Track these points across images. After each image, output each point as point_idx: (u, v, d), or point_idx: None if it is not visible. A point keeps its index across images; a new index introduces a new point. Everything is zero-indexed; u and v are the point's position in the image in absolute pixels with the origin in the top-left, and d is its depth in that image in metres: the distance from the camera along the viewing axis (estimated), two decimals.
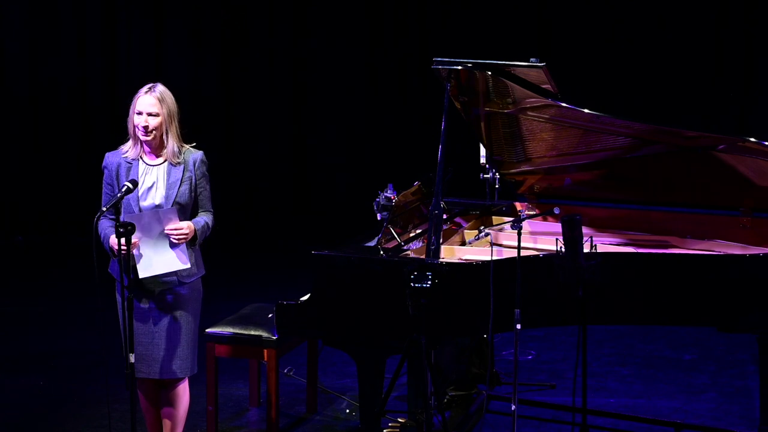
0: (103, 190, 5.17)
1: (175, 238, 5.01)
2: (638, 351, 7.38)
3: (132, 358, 4.84)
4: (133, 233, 4.83)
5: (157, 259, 5.02)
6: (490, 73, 5.31)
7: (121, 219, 4.97)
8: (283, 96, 10.75)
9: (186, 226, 5.05)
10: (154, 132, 5.04)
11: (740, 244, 5.50)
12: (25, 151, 10.78)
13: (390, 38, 10.49)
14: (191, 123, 10.90)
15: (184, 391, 5.26)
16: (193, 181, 5.14)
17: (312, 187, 10.80)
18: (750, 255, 5.08)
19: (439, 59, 5.27)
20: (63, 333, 7.81)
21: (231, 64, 10.77)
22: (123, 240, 4.79)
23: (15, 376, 6.93)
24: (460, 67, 5.26)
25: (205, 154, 5.26)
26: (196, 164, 5.15)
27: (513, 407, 5.10)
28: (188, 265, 5.08)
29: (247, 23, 10.70)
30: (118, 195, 4.90)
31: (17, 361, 7.22)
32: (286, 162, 10.79)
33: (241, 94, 10.78)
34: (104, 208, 4.92)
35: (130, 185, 4.93)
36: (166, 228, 5.00)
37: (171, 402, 5.26)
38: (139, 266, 4.97)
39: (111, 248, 5.01)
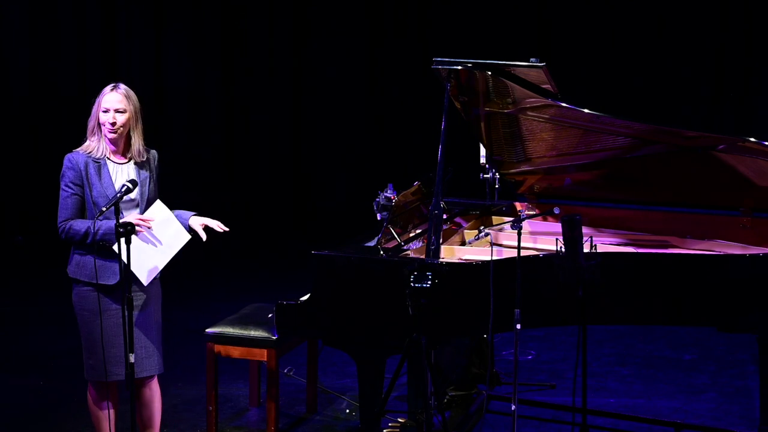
0: (65, 193, 5.10)
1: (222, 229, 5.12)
2: (638, 351, 7.38)
3: (132, 358, 4.83)
4: (132, 233, 4.83)
5: (148, 261, 5.04)
6: (490, 73, 5.31)
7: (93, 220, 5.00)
8: (283, 96, 10.76)
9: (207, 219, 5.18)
10: (121, 129, 5.04)
11: (740, 244, 5.50)
12: (25, 151, 10.79)
13: (390, 38, 10.49)
14: (192, 123, 10.95)
15: (158, 388, 5.27)
16: (154, 178, 5.16)
17: (312, 188, 10.81)
18: (750, 255, 5.08)
19: (439, 59, 5.27)
20: (63, 333, 7.80)
21: (231, 65, 10.78)
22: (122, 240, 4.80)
23: (15, 376, 6.93)
24: (460, 67, 5.26)
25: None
26: (155, 162, 5.19)
27: (513, 407, 5.10)
28: (145, 283, 5.09)
29: (247, 24, 10.71)
30: (118, 195, 4.89)
31: (17, 361, 7.22)
32: (286, 162, 10.79)
33: (241, 95, 10.78)
34: (104, 209, 4.90)
35: (130, 185, 4.92)
36: (170, 229, 5.03)
37: (152, 401, 5.24)
38: (136, 264, 4.97)
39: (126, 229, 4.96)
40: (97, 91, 11.42)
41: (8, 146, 10.76)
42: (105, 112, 5.03)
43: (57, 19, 10.70)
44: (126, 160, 5.11)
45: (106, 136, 5.04)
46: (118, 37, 10.79)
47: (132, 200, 5.06)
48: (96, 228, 4.98)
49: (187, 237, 5.08)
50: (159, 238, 5.01)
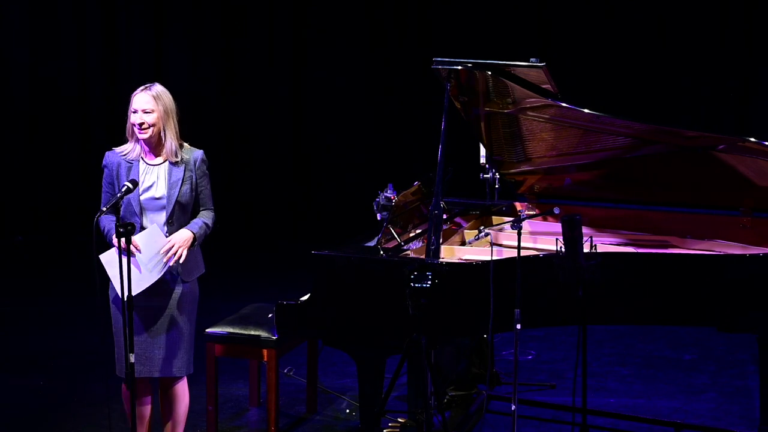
0: (102, 189, 5.17)
1: (173, 260, 5.02)
2: (638, 351, 7.38)
3: (132, 358, 4.84)
4: (133, 233, 4.84)
5: (147, 275, 5.03)
6: (490, 73, 5.31)
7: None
8: (283, 96, 10.75)
9: (177, 240, 5.04)
10: (150, 129, 5.04)
11: (740, 244, 5.50)
12: (25, 151, 10.78)
13: (390, 38, 10.49)
14: (191, 123, 10.94)
15: (183, 390, 5.26)
16: (194, 180, 5.14)
17: (312, 187, 10.81)
18: (750, 255, 5.08)
19: (439, 59, 5.27)
20: (63, 333, 7.81)
21: (231, 65, 10.78)
22: (123, 240, 4.81)
23: (15, 376, 6.93)
24: (460, 67, 5.26)
25: (205, 154, 5.26)
26: (197, 163, 5.15)
27: (513, 407, 5.10)
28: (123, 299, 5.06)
29: (246, 23, 10.70)
30: (118, 195, 4.90)
31: (17, 361, 7.22)
32: (286, 162, 10.79)
33: (241, 95, 10.78)
34: (104, 209, 4.93)
35: (130, 185, 4.93)
36: (160, 252, 5.02)
37: (171, 402, 5.27)
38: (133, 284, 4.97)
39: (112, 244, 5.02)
40: (96, 91, 11.46)
41: (8, 146, 10.76)
42: (134, 112, 5.06)
43: (57, 19, 10.70)
44: (161, 161, 5.11)
45: (137, 136, 5.06)
46: (118, 37, 10.78)
47: (158, 201, 5.06)
48: (108, 230, 5.05)
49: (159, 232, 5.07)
50: (145, 262, 5.00)
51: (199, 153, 5.18)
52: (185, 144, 5.18)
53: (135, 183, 4.97)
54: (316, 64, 10.63)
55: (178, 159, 5.10)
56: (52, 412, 6.34)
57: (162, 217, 5.07)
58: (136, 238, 4.94)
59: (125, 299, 4.81)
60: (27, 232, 10.68)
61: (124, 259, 4.79)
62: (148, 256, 5.00)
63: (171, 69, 10.75)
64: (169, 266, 5.04)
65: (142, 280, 4.98)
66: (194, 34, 10.74)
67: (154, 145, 5.10)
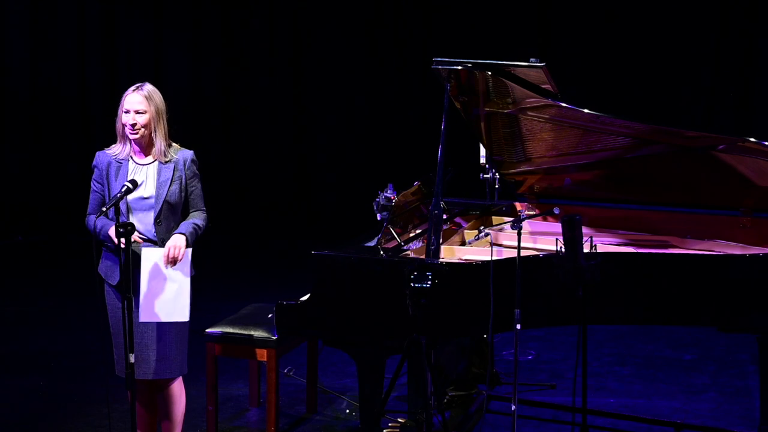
0: (91, 188, 5.16)
1: (172, 260, 4.99)
2: (638, 351, 7.38)
3: (132, 358, 4.84)
4: (132, 233, 4.84)
5: (161, 305, 5.01)
6: (490, 73, 5.31)
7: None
8: (283, 96, 10.76)
9: (172, 245, 5.01)
10: (142, 130, 5.05)
11: (740, 244, 5.50)
12: (25, 151, 10.79)
13: (390, 38, 10.49)
14: (191, 123, 11.00)
15: (179, 391, 5.26)
16: (184, 180, 5.14)
17: (312, 187, 10.81)
18: (750, 255, 5.08)
19: (439, 59, 5.27)
20: (63, 333, 7.81)
21: (231, 65, 10.78)
22: (122, 240, 4.81)
23: (15, 376, 6.93)
24: (460, 67, 5.26)
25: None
26: (187, 164, 5.15)
27: (513, 407, 5.10)
28: (187, 319, 5.06)
29: (246, 23, 10.71)
30: (118, 195, 4.90)
31: (17, 361, 7.22)
32: (286, 162, 10.79)
33: (241, 95, 10.78)
34: (104, 209, 4.92)
35: (130, 185, 4.93)
36: (167, 261, 5.01)
37: (167, 403, 5.26)
38: (141, 308, 4.96)
39: (111, 238, 4.98)
40: (96, 91, 11.47)
41: (8, 146, 10.76)
42: (126, 113, 5.06)
43: (57, 18, 10.70)
44: (150, 160, 5.11)
45: (128, 136, 5.06)
46: (119, 38, 10.78)
47: (146, 201, 5.06)
48: (99, 227, 5.03)
49: (188, 257, 5.06)
50: (167, 280, 5.00)
51: (189, 153, 5.19)
52: (174, 144, 5.19)
53: (135, 183, 4.97)
54: (317, 64, 10.64)
55: (167, 159, 5.11)
56: (52, 412, 6.34)
57: (150, 216, 5.07)
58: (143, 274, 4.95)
59: (125, 299, 4.81)
60: (27, 232, 10.68)
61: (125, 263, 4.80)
62: (163, 278, 4.99)
63: (171, 69, 10.76)
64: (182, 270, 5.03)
65: (172, 299, 4.99)
66: (194, 34, 10.75)
67: (145, 145, 5.10)
